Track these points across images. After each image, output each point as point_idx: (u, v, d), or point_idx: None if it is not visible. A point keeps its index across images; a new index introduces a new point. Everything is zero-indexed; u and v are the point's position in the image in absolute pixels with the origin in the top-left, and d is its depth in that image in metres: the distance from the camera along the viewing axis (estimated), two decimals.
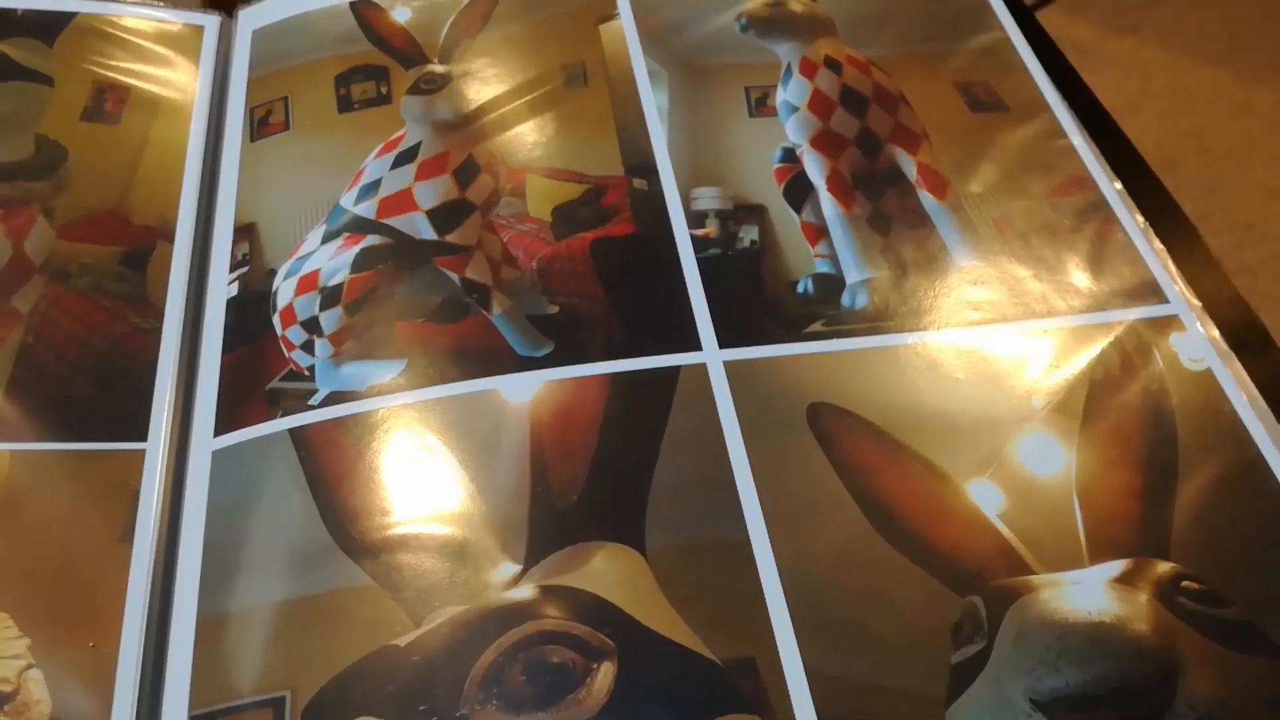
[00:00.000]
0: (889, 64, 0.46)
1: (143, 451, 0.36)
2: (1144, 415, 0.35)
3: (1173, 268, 0.39)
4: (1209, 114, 1.62)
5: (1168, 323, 0.37)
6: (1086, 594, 0.30)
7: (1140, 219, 0.41)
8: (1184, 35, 1.75)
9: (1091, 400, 0.35)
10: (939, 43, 0.47)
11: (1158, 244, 0.41)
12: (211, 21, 0.50)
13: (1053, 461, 0.34)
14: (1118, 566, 0.31)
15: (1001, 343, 0.37)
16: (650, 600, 0.31)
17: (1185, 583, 0.31)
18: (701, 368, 0.36)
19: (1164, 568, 0.31)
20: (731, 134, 0.44)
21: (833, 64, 0.45)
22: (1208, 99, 1.65)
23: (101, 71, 0.47)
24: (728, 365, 0.36)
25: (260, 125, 0.45)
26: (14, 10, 0.48)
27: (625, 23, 0.47)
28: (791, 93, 0.45)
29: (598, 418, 0.35)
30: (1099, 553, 0.32)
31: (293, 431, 0.35)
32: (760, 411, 0.35)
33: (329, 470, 0.34)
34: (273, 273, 0.40)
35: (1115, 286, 0.38)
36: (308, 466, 0.35)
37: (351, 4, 0.48)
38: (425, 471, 0.34)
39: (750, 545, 0.32)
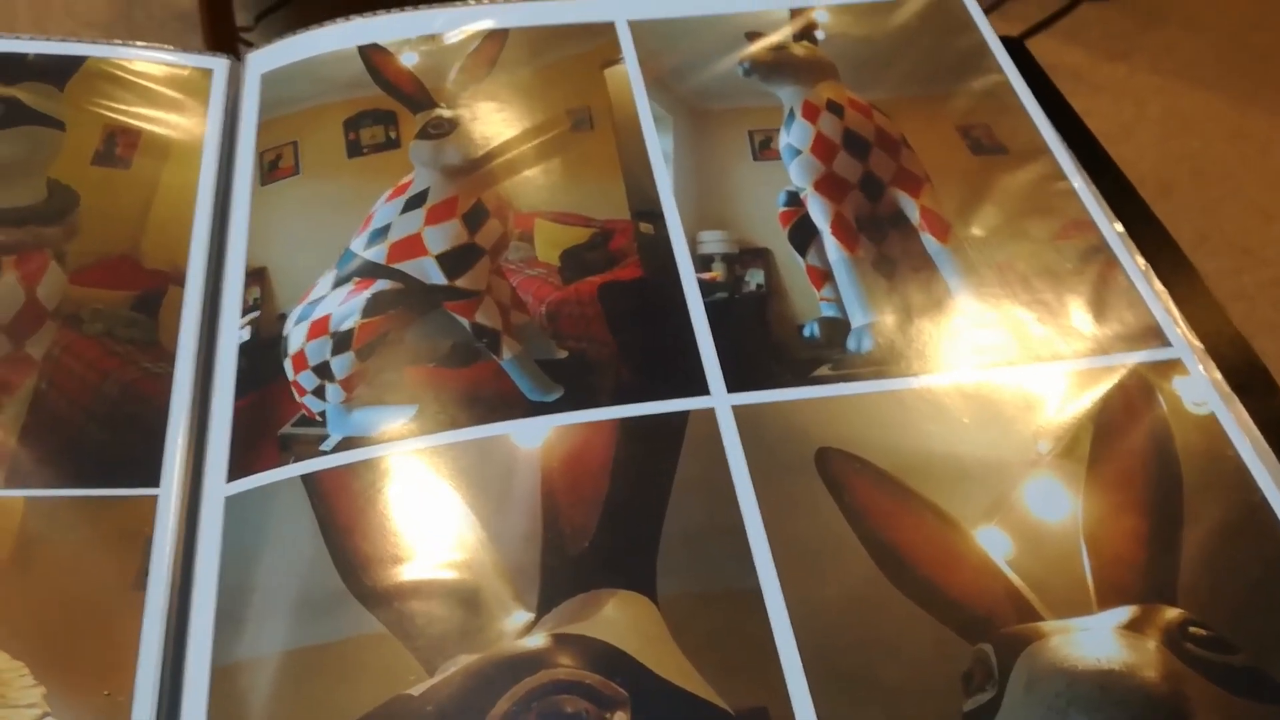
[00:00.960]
0: (891, 107, 0.47)
1: (155, 497, 0.36)
2: (1149, 460, 0.35)
3: (1174, 310, 0.40)
4: (1204, 138, 1.63)
5: (1171, 366, 0.38)
6: (1095, 641, 0.31)
7: (1141, 261, 0.42)
8: (1177, 60, 1.77)
9: (1096, 445, 0.35)
10: (940, 86, 0.48)
11: (1159, 286, 0.41)
12: (221, 65, 0.50)
13: (1059, 507, 0.34)
14: (1126, 613, 0.32)
15: (1006, 387, 0.37)
16: (662, 648, 0.31)
17: (1193, 629, 0.31)
18: (710, 413, 0.36)
19: (1171, 614, 0.32)
20: (736, 178, 0.45)
21: (835, 107, 0.46)
22: (1202, 123, 1.66)
23: (112, 115, 0.47)
24: (736, 410, 0.36)
25: (270, 169, 0.46)
26: (25, 55, 0.49)
27: (630, 68, 0.48)
28: (794, 136, 0.46)
29: (608, 463, 0.35)
30: (1107, 599, 0.32)
31: (305, 477, 0.35)
32: (769, 457, 0.35)
33: (341, 516, 0.35)
34: (284, 317, 0.40)
35: (1118, 330, 0.39)
36: (320, 513, 0.35)
37: (360, 49, 0.49)
38: (437, 518, 0.34)
39: (761, 592, 0.32)
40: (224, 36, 1.37)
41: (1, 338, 0.40)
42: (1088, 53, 1.73)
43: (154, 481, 0.37)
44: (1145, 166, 1.60)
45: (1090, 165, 0.47)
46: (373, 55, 0.48)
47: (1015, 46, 0.52)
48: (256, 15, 1.56)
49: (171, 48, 0.51)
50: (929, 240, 0.42)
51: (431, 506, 0.34)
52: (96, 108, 0.48)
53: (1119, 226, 0.43)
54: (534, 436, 0.36)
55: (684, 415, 0.36)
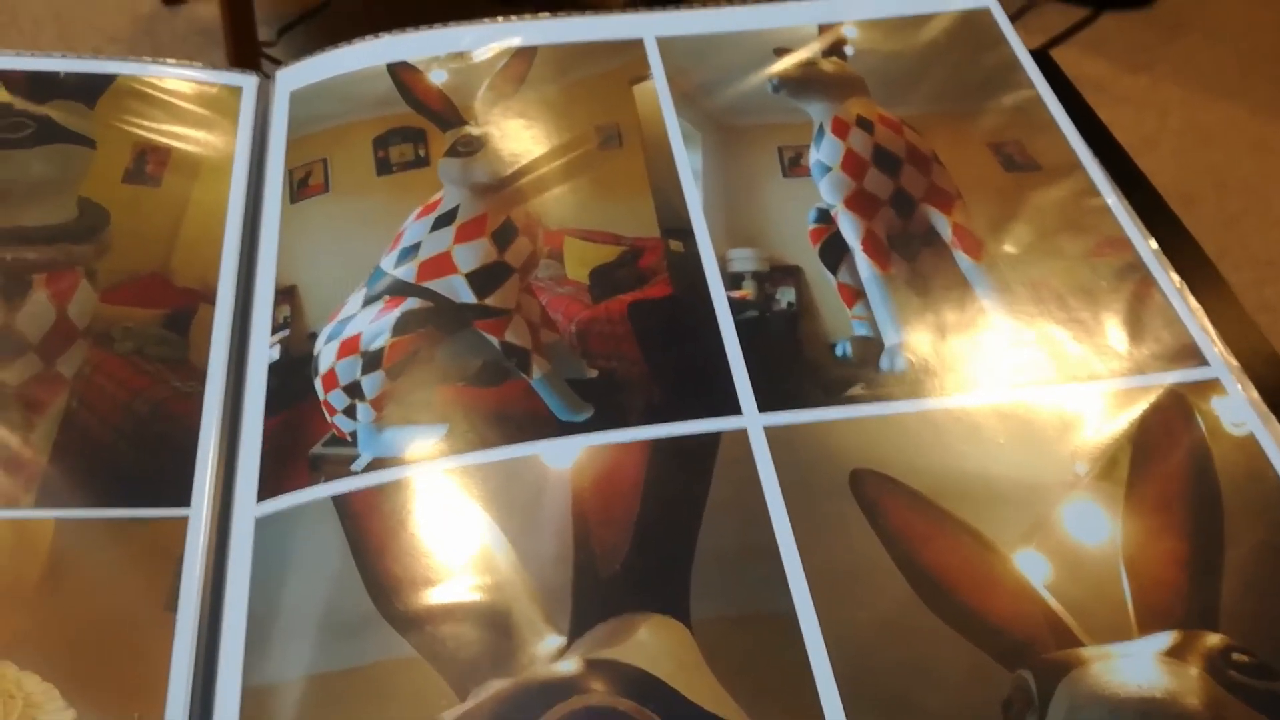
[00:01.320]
0: (921, 123, 0.46)
1: (186, 519, 0.36)
2: (1188, 482, 0.35)
3: (1211, 329, 0.39)
4: (1226, 150, 1.62)
5: (1209, 386, 0.37)
6: (1137, 667, 0.30)
7: (1176, 278, 0.41)
8: (1199, 71, 1.76)
9: (1135, 466, 0.35)
10: (970, 101, 0.48)
11: (1194, 304, 0.41)
12: (250, 82, 0.50)
13: (1098, 530, 0.34)
14: (1167, 639, 0.31)
15: (1042, 407, 0.37)
16: (695, 674, 0.31)
17: (1235, 655, 0.31)
18: (742, 434, 0.36)
19: (1213, 640, 0.31)
20: (766, 195, 0.45)
21: (865, 123, 0.46)
22: (1224, 135, 1.65)
23: (142, 133, 0.47)
24: (768, 431, 0.36)
25: (300, 187, 0.46)
26: (56, 73, 0.49)
27: (658, 84, 0.48)
28: (824, 153, 0.45)
29: (639, 484, 0.35)
30: (1148, 623, 0.32)
31: (335, 498, 0.35)
32: (802, 478, 0.35)
33: (372, 538, 0.35)
34: (314, 336, 0.40)
35: (1154, 349, 0.38)
36: (350, 534, 0.35)
37: (389, 67, 0.49)
38: (468, 540, 0.34)
39: (796, 616, 0.32)
40: (247, 52, 1.38)
41: (32, 356, 0.40)
42: (1110, 64, 1.72)
43: (184, 501, 0.37)
44: (1167, 178, 1.58)
45: (1122, 180, 0.46)
46: (401, 73, 0.48)
47: (1044, 60, 0.52)
48: (279, 30, 1.57)
49: (200, 65, 0.51)
50: (962, 258, 0.42)
51: (462, 528, 0.34)
52: (127, 126, 0.48)
53: (1153, 243, 0.43)
54: (564, 457, 0.36)
55: (716, 436, 0.36)
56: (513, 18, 0.51)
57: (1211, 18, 1.88)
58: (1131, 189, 0.46)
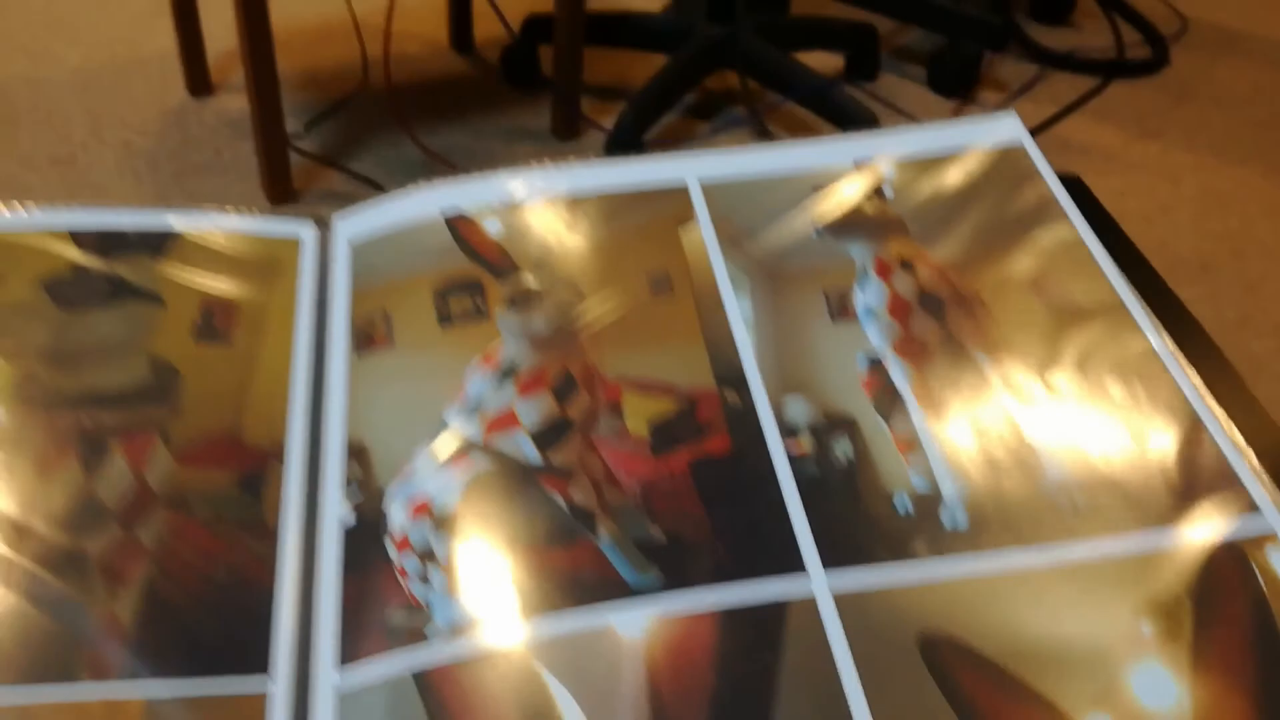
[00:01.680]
0: (962, 264, 0.48)
1: (266, 694, 0.37)
2: (1252, 640, 0.35)
3: (1266, 479, 0.40)
4: (1242, 215, 1.64)
5: (1266, 539, 0.38)
6: None
7: (1220, 413, 0.42)
8: (1210, 136, 1.78)
9: (1199, 627, 0.36)
10: (1009, 241, 0.49)
11: (1241, 442, 0.41)
12: (309, 233, 0.52)
13: (1166, 693, 0.34)
14: None
15: (1103, 564, 0.38)
16: None
17: None
18: (810, 601, 0.37)
19: None
20: (815, 340, 0.46)
21: (907, 265, 0.47)
22: (1239, 200, 1.67)
23: (207, 288, 0.49)
24: (837, 597, 0.37)
25: (364, 340, 0.47)
26: (124, 232, 0.51)
27: (704, 229, 0.49)
28: (870, 296, 0.47)
29: (711, 656, 0.36)
30: None
31: (416, 675, 0.36)
32: (872, 645, 0.35)
33: (451, 714, 0.35)
34: (384, 495, 0.42)
35: (1208, 499, 0.39)
36: (430, 708, 0.35)
37: (445, 218, 0.50)
38: (547, 716, 0.35)
39: None
40: (275, 144, 1.41)
41: (113, 524, 0.41)
42: (1121, 131, 1.74)
43: (264, 668, 0.37)
44: (1184, 246, 1.60)
45: (1161, 310, 0.47)
46: (458, 225, 0.50)
47: (1077, 188, 0.53)
48: (306, 122, 1.61)
49: (258, 213, 0.53)
50: (1012, 404, 0.43)
51: (542, 705, 0.35)
52: (193, 280, 0.49)
53: (1197, 379, 0.43)
54: (637, 627, 0.36)
55: (784, 605, 0.37)
56: (560, 165, 0.52)
57: (1220, 83, 1.91)
58: (1171, 318, 0.47)
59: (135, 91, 1.69)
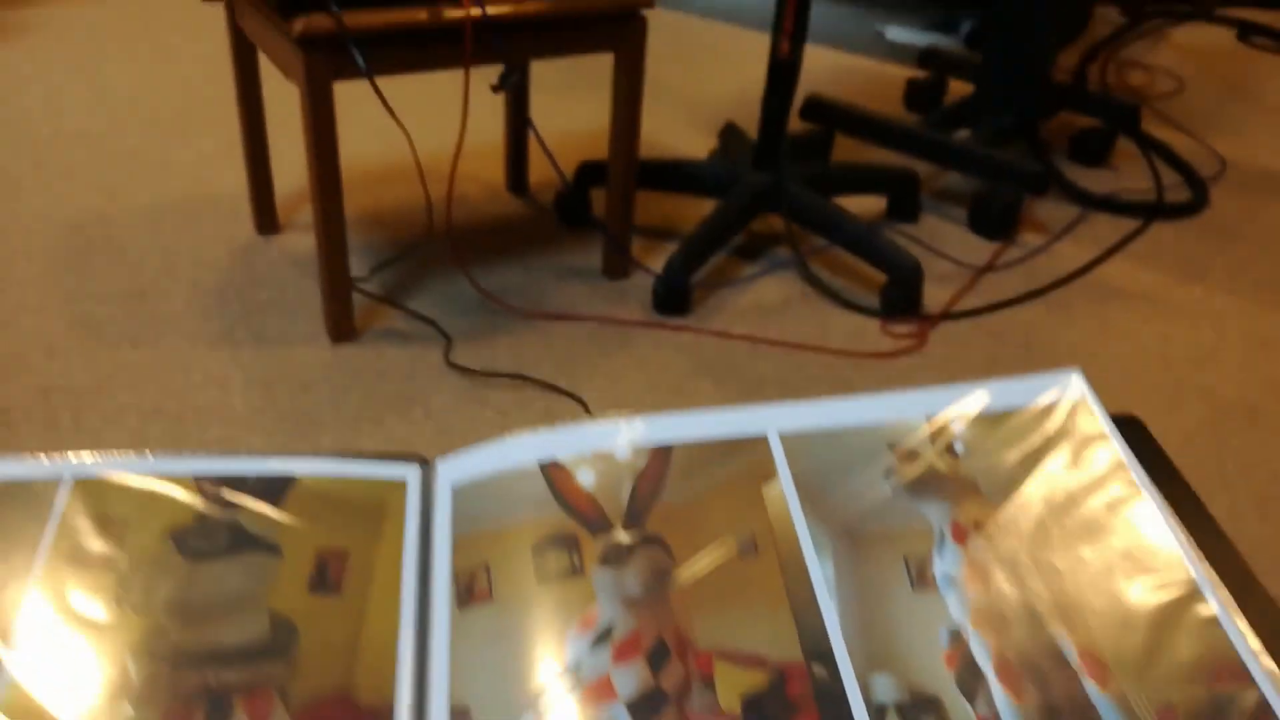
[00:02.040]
0: (1034, 527, 0.50)
1: None
2: None
3: None
4: None
5: None
6: None
7: None
8: (1253, 279, 1.80)
9: None
10: (1079, 504, 0.51)
11: None
12: (413, 475, 0.56)
13: None
14: None
15: None
16: None
17: None
18: None
19: None
20: (898, 610, 0.48)
21: (982, 528, 0.50)
22: None
23: (321, 537, 0.52)
24: None
25: (465, 594, 0.50)
26: (244, 477, 0.55)
27: (785, 486, 0.52)
28: (948, 562, 0.49)
29: None
30: None
31: None
32: None
33: None
34: None
35: None
36: None
37: (541, 467, 0.54)
38: None
39: None
40: (340, 286, 1.47)
41: None
42: (1163, 274, 1.77)
43: None
44: (1231, 391, 1.61)
45: (1224, 571, 0.49)
46: (552, 473, 0.53)
47: (1134, 428, 0.56)
48: (371, 268, 1.67)
49: (363, 457, 0.57)
50: (1089, 685, 0.45)
51: None
52: (308, 529, 0.53)
53: (1269, 662, 0.45)
54: None
55: None
56: (647, 417, 0.56)
57: (1263, 225, 1.94)
58: (1240, 592, 0.49)
59: (205, 229, 1.77)
